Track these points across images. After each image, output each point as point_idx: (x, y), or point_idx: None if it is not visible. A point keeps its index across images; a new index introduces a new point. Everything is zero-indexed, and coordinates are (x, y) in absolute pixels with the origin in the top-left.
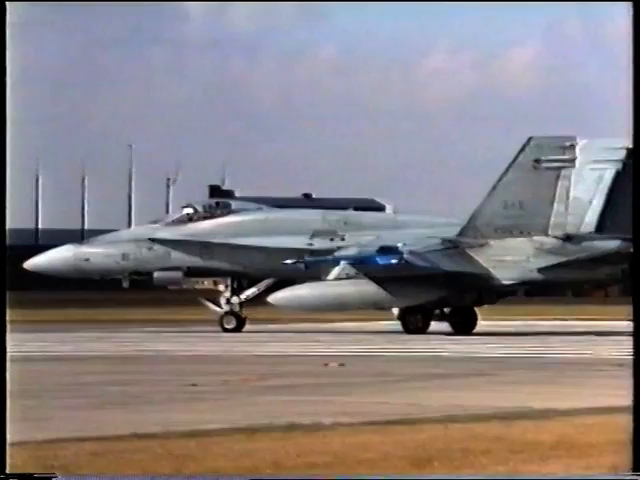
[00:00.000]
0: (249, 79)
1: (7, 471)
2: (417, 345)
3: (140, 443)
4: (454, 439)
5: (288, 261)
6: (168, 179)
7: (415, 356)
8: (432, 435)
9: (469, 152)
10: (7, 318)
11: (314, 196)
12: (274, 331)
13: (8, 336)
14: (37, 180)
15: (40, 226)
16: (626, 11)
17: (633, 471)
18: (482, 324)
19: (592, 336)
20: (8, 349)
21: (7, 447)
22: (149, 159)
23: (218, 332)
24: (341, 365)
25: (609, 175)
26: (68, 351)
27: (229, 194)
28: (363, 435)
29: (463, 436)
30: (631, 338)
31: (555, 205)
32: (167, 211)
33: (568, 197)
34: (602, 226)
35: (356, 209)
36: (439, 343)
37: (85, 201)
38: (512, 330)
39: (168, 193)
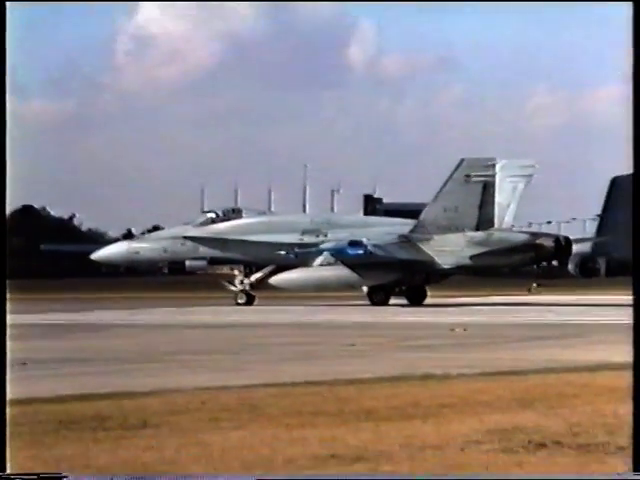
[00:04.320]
0: (395, 114)
1: (8, 471)
2: (523, 314)
3: (313, 388)
4: (551, 385)
5: (282, 252)
6: (332, 190)
7: (520, 323)
8: (534, 382)
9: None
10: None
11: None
12: (406, 305)
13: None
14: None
15: None
16: None
17: (633, 471)
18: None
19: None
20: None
21: (7, 447)
22: (319, 175)
23: (367, 305)
24: (465, 330)
25: (521, 186)
26: (238, 320)
27: (379, 201)
28: (481, 382)
29: (558, 383)
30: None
31: (482, 208)
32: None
33: (492, 202)
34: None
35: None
36: (539, 313)
37: (272, 209)
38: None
39: (333, 201)
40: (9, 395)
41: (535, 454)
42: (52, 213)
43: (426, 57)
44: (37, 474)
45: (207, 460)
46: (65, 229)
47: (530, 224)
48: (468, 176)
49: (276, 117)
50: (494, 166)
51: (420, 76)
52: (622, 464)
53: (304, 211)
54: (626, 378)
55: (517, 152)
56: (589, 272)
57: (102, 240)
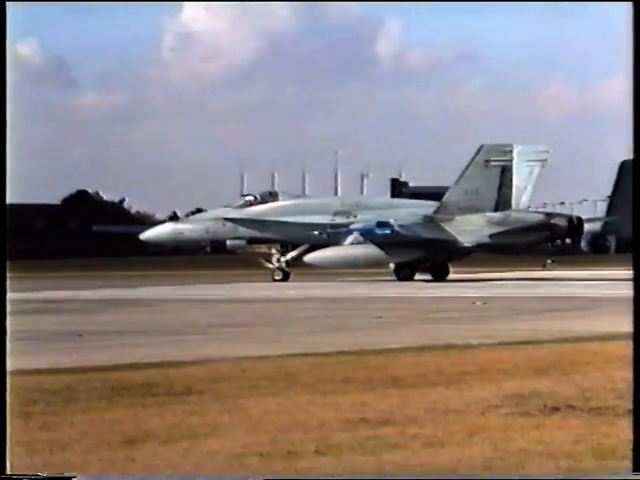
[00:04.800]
0: (419, 104)
1: (8, 472)
2: (538, 289)
3: (344, 357)
4: (565, 353)
5: (315, 232)
6: (362, 174)
7: (536, 296)
8: (549, 351)
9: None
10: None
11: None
12: (430, 281)
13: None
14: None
15: None
16: None
17: (633, 471)
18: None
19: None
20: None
21: (7, 447)
22: (349, 161)
23: (394, 281)
24: (484, 304)
25: (537, 170)
26: (275, 295)
27: (405, 184)
28: (500, 352)
29: (571, 351)
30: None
31: (500, 191)
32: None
33: (510, 185)
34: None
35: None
36: (554, 287)
37: (306, 192)
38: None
39: (362, 185)
40: (73, 363)
41: (550, 417)
42: (104, 197)
43: (447, 52)
44: (38, 475)
45: (246, 424)
46: (116, 212)
47: (545, 205)
48: (487, 161)
49: (309, 108)
50: (511, 152)
51: (442, 69)
52: (630, 426)
53: (336, 194)
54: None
55: (532, 138)
56: (600, 249)
57: (150, 222)
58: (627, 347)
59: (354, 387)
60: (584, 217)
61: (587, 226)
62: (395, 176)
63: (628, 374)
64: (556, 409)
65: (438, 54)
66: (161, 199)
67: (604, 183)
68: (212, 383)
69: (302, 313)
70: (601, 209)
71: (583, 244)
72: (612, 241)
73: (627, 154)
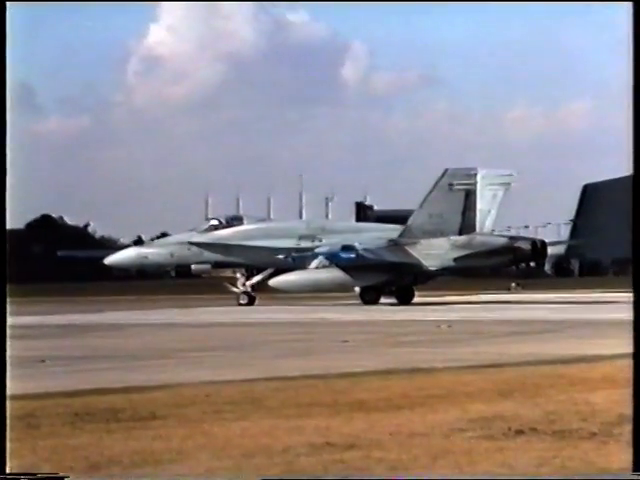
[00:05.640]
0: (384, 127)
1: (7, 471)
2: (504, 312)
3: (309, 381)
4: (529, 376)
5: (280, 256)
6: (327, 198)
7: (501, 319)
8: (513, 374)
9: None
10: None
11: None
12: (395, 304)
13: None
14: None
15: None
16: None
17: (633, 471)
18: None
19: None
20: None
21: (7, 447)
22: (314, 184)
23: (359, 304)
24: (449, 327)
25: (501, 194)
26: (240, 319)
27: (370, 208)
28: (464, 375)
29: (535, 374)
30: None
31: (464, 214)
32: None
33: (474, 209)
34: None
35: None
36: (519, 310)
37: (271, 216)
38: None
39: (327, 208)
40: (29, 389)
41: (514, 440)
42: (68, 222)
43: (413, 75)
44: (36, 474)
45: (211, 449)
46: (80, 236)
47: (509, 228)
48: (451, 185)
49: (275, 131)
50: (475, 175)
51: (408, 92)
52: (594, 448)
53: (300, 218)
54: (597, 369)
55: (497, 161)
56: (564, 272)
57: (115, 246)
58: (590, 370)
59: (319, 411)
60: (548, 240)
61: (551, 249)
62: (360, 200)
63: (591, 396)
64: (520, 432)
65: (404, 77)
66: (126, 224)
67: (568, 207)
68: (176, 408)
69: (267, 337)
70: (564, 233)
71: (547, 267)
72: (575, 264)
73: (589, 178)
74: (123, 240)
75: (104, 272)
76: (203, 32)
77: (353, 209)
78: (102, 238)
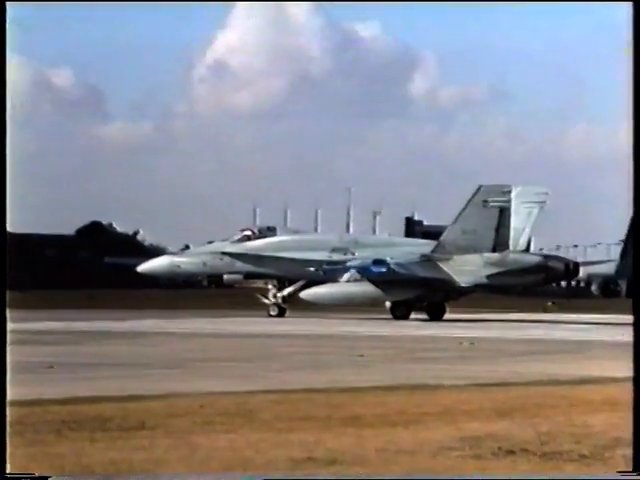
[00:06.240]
0: (443, 144)
1: (8, 471)
2: (530, 330)
3: (308, 395)
4: (532, 396)
5: (311, 268)
6: (374, 212)
7: (525, 339)
8: (518, 394)
9: None
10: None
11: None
12: (426, 320)
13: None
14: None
15: None
16: None
17: (633, 471)
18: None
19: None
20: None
21: (7, 447)
22: (361, 198)
23: (389, 319)
24: (471, 344)
25: (535, 211)
26: (265, 331)
27: (419, 223)
28: (468, 393)
29: (539, 394)
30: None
31: (498, 231)
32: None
33: (507, 226)
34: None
35: None
36: (546, 329)
37: (318, 229)
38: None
39: (374, 222)
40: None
41: (501, 460)
42: (118, 229)
43: (480, 88)
44: (35, 474)
45: (191, 460)
46: (129, 244)
47: (558, 247)
48: (486, 201)
49: (333, 144)
50: (510, 192)
51: (473, 106)
52: (576, 470)
53: (347, 231)
54: (602, 390)
55: (555, 179)
56: (610, 293)
57: (163, 255)
58: (594, 391)
59: (311, 425)
60: (595, 259)
61: (598, 269)
62: (409, 215)
63: (590, 418)
64: (510, 452)
65: (470, 91)
66: (175, 232)
67: (619, 227)
68: (168, 418)
69: (286, 349)
70: (615, 253)
71: (594, 287)
72: (623, 285)
73: None
74: (171, 248)
75: (150, 280)
76: (272, 43)
77: (402, 224)
78: (151, 246)
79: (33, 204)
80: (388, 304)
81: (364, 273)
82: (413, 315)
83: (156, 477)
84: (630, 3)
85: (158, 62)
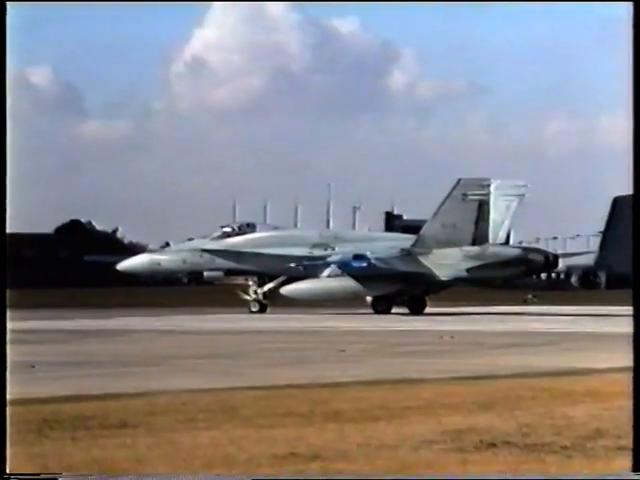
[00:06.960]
0: (422, 138)
1: (7, 471)
2: (511, 323)
3: (290, 391)
4: (514, 389)
5: (292, 264)
6: (354, 207)
7: (505, 331)
8: (499, 386)
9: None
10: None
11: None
12: (407, 314)
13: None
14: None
15: None
16: None
17: (633, 471)
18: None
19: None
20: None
21: (7, 447)
22: (341, 193)
23: (370, 314)
24: (452, 337)
25: (514, 204)
26: (245, 327)
27: (399, 218)
28: (450, 386)
29: (521, 387)
30: None
31: (477, 225)
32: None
33: (487, 219)
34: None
35: None
36: (527, 322)
37: (298, 224)
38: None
39: (354, 218)
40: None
41: (483, 453)
42: (97, 227)
43: (460, 82)
44: (37, 474)
45: (172, 458)
46: (109, 242)
47: (538, 239)
48: (465, 195)
49: (314, 139)
50: (489, 186)
51: (452, 100)
52: (559, 464)
53: (327, 227)
54: (584, 382)
55: (531, 172)
56: (590, 284)
57: (143, 252)
58: (576, 383)
59: (293, 421)
60: (576, 250)
61: (578, 260)
62: (389, 209)
63: (570, 410)
64: (492, 445)
65: (449, 85)
66: (156, 229)
67: (598, 219)
68: (149, 416)
69: (267, 345)
70: (594, 244)
71: (574, 279)
72: (603, 277)
73: (619, 190)
74: (152, 246)
75: (130, 278)
76: (250, 39)
77: (382, 218)
78: (130, 244)
79: (10, 202)
80: (369, 299)
81: (345, 268)
82: (394, 309)
83: (149, 477)
84: (630, 3)
85: (136, 60)
